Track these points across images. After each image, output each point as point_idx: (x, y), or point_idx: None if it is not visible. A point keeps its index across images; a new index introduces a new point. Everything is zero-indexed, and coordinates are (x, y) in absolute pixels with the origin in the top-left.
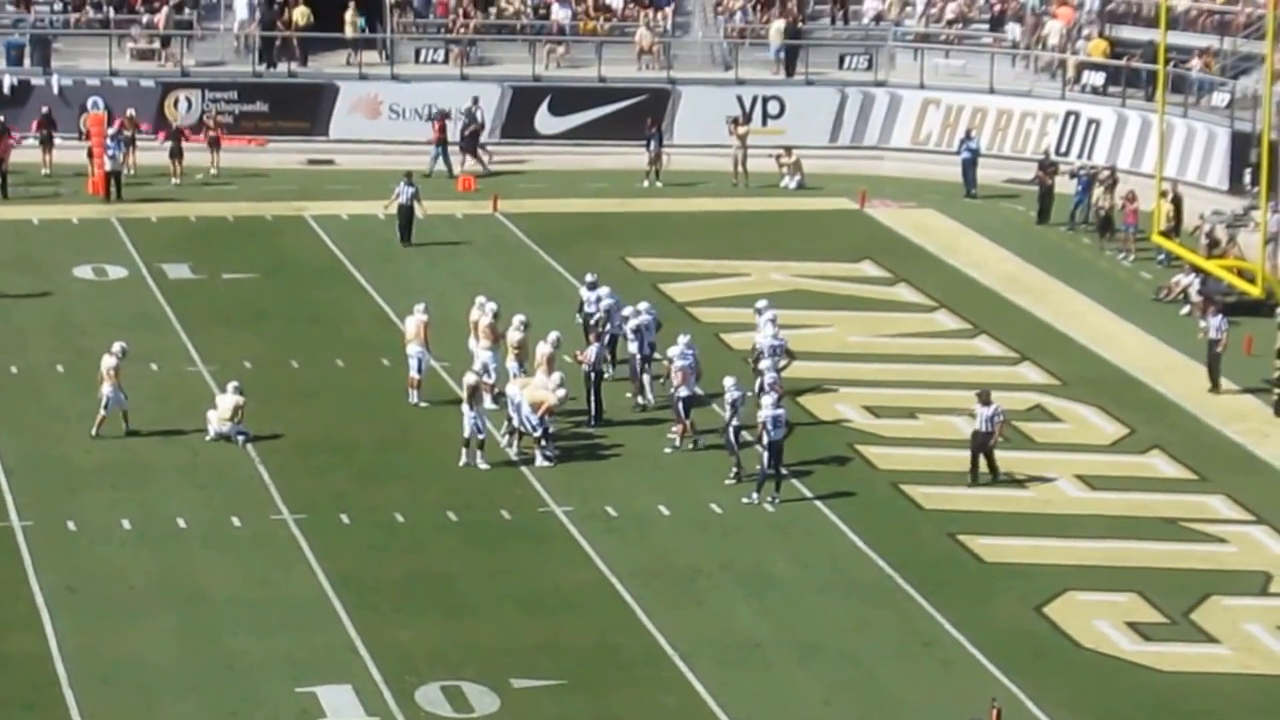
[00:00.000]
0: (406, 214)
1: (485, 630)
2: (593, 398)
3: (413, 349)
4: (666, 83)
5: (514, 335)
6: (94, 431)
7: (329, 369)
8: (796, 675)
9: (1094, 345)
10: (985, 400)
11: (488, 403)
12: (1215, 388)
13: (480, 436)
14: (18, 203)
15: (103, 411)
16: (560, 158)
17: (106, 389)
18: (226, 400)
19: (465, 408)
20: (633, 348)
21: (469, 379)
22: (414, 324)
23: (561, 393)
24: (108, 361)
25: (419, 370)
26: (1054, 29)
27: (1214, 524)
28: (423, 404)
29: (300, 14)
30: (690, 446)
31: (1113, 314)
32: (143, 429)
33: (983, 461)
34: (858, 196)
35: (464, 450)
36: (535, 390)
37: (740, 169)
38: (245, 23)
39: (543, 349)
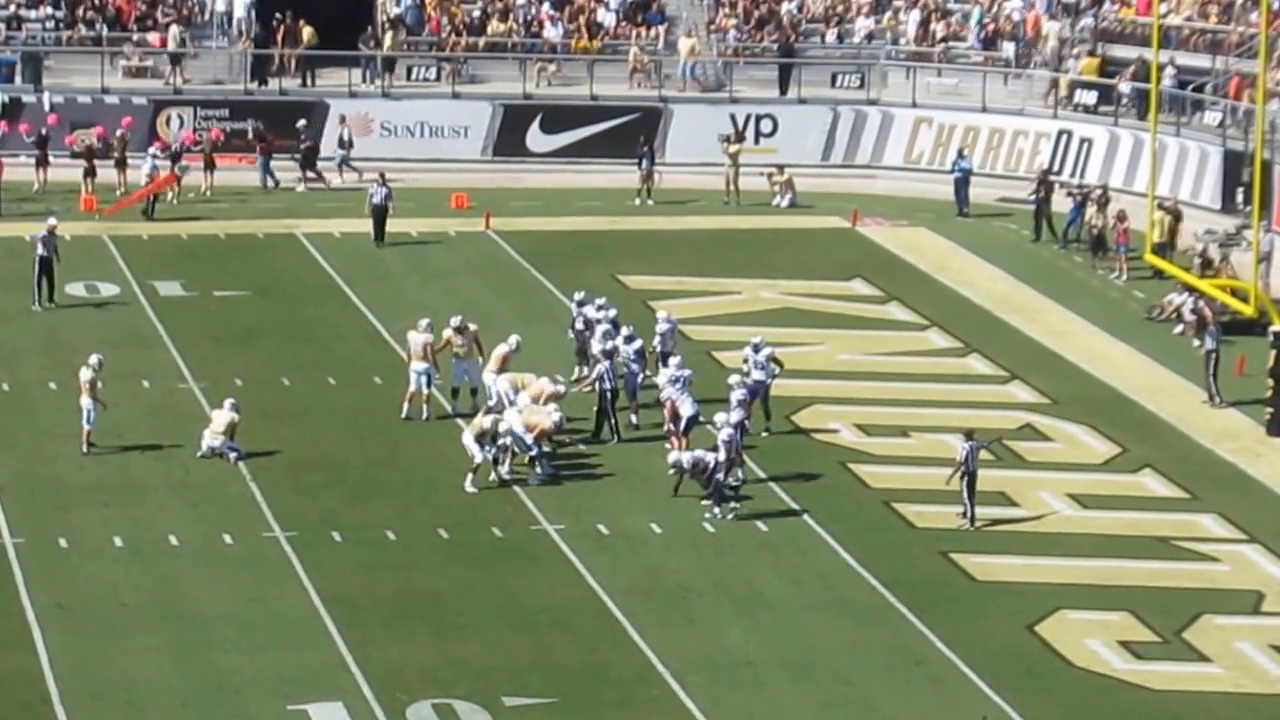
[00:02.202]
0: (380, 214)
1: (476, 648)
2: (607, 418)
3: (418, 366)
4: (658, 101)
5: (526, 378)
6: (83, 448)
7: (320, 387)
8: (788, 694)
9: (1085, 364)
10: (968, 436)
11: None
12: (1216, 400)
13: (476, 461)
14: (10, 220)
15: (86, 425)
16: (552, 176)
17: (85, 401)
18: (222, 415)
19: (472, 440)
20: (635, 367)
21: (486, 421)
22: (419, 342)
23: (557, 416)
24: (84, 374)
25: (428, 385)
26: (1052, 30)
27: (1206, 543)
28: (419, 418)
29: (308, 34)
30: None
31: (1104, 333)
32: (134, 446)
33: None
34: (850, 215)
35: (472, 475)
36: (531, 414)
37: (732, 187)
38: (243, 21)
39: (529, 376)
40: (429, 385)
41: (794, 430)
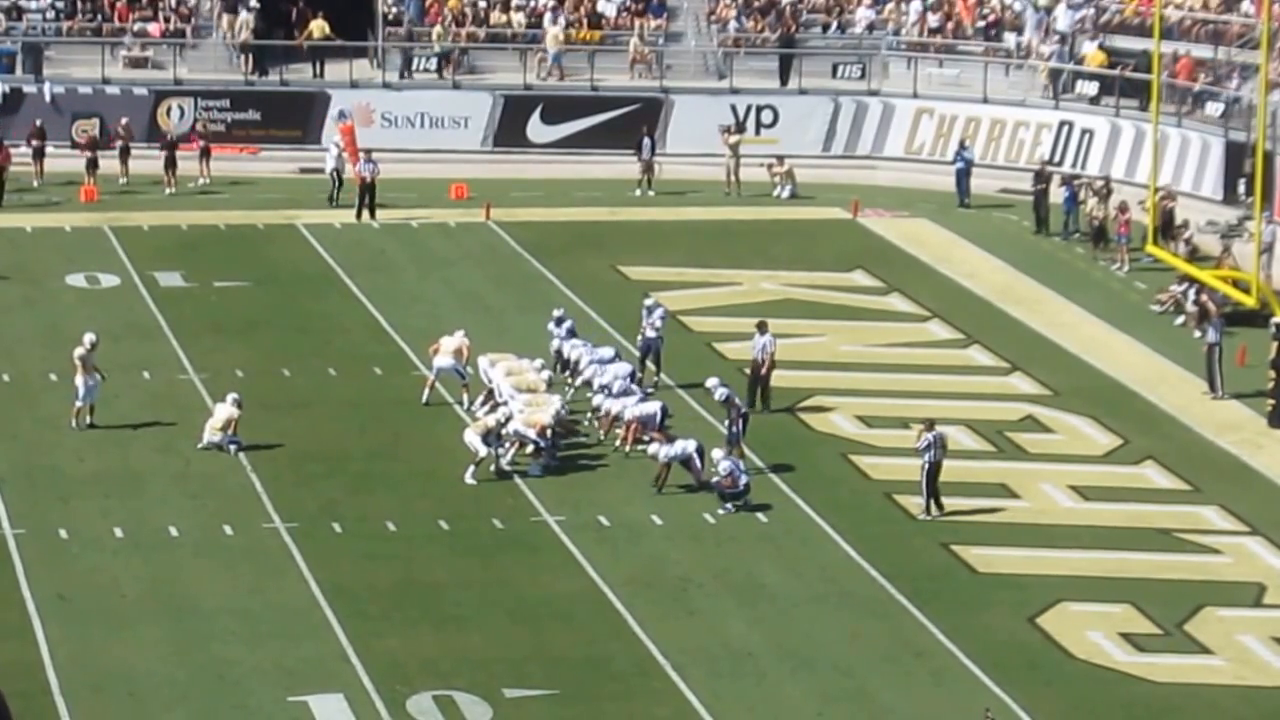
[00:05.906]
0: (367, 189)
1: (477, 640)
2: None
3: (443, 360)
4: (659, 92)
5: (531, 377)
6: (72, 423)
7: (321, 378)
8: (788, 686)
9: (1087, 356)
10: (929, 427)
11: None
12: (1217, 392)
13: (481, 456)
14: (11, 211)
15: (78, 402)
16: (552, 166)
17: (79, 380)
18: (223, 410)
19: (476, 437)
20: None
21: (491, 419)
22: (453, 343)
23: (556, 406)
24: (77, 352)
25: (436, 376)
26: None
27: (1208, 535)
28: (466, 408)
29: (317, 26)
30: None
31: (1106, 324)
32: (134, 438)
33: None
34: (850, 206)
35: (474, 466)
36: (531, 413)
37: (733, 178)
38: (235, 18)
39: (533, 378)
40: (437, 376)
41: (795, 422)
